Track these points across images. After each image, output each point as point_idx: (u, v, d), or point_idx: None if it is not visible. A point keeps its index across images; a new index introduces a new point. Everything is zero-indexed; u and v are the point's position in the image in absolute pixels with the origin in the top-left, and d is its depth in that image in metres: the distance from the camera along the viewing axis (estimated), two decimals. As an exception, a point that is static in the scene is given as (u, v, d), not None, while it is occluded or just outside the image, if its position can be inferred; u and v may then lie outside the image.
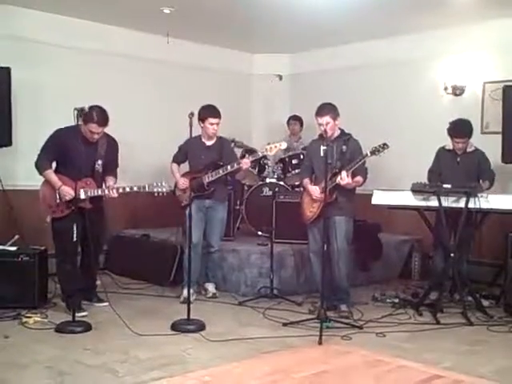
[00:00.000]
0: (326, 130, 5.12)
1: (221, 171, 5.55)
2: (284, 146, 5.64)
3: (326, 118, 5.15)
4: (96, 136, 5.09)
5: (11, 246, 5.49)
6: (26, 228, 5.94)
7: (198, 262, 5.65)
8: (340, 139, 5.23)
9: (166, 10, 6.58)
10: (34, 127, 6.36)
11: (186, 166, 5.96)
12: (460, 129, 5.71)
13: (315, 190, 5.21)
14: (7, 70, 6.06)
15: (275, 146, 5.49)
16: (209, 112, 5.61)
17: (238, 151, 6.96)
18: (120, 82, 7.32)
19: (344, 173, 4.95)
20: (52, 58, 6.80)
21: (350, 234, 5.30)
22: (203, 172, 5.60)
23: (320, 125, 5.19)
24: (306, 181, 5.41)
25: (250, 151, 6.70)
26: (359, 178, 5.12)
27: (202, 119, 5.64)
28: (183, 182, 5.68)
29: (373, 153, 4.93)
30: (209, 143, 5.75)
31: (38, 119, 6.46)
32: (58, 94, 6.62)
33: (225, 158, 5.66)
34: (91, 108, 4.93)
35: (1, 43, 6.39)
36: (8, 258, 5.23)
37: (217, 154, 5.69)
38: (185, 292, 5.36)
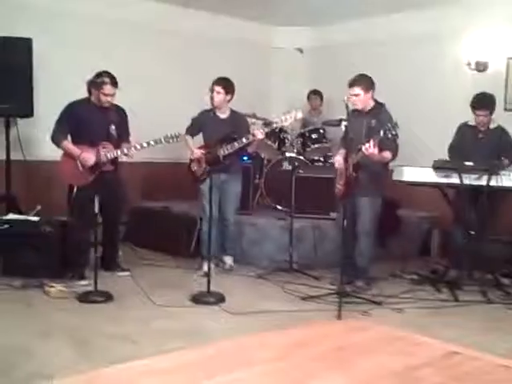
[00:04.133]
0: (355, 102, 5.00)
1: (236, 144, 5.48)
2: (300, 115, 5.48)
3: (357, 89, 5.04)
4: (110, 98, 5.22)
5: (34, 216, 5.57)
6: (47, 198, 6.00)
7: (214, 236, 5.68)
8: (372, 113, 5.12)
9: (187, -19, 6.53)
10: (54, 98, 6.35)
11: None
12: (481, 101, 5.63)
13: (337, 160, 5.18)
14: (28, 41, 6.06)
15: (290, 117, 5.39)
16: (214, 80, 5.63)
17: (259, 124, 6.92)
18: (137, 52, 7.32)
19: (371, 141, 4.75)
20: (71, 28, 6.80)
21: (377, 214, 5.23)
22: (218, 145, 5.55)
23: (350, 96, 5.02)
24: (338, 152, 5.35)
25: (270, 123, 6.60)
26: (387, 154, 4.96)
27: (210, 89, 5.65)
28: (197, 152, 5.65)
29: (384, 133, 4.73)
30: (223, 116, 5.70)
31: (59, 89, 6.45)
32: (78, 64, 6.60)
33: (238, 131, 5.59)
34: (99, 74, 5.18)
35: (21, 14, 6.39)
36: (31, 229, 5.32)
37: (230, 127, 5.63)
38: (204, 266, 5.44)
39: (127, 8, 7.17)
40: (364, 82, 5.09)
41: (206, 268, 5.34)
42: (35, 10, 6.47)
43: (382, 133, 4.74)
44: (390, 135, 4.71)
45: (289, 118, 5.39)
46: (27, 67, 6.10)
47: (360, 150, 4.90)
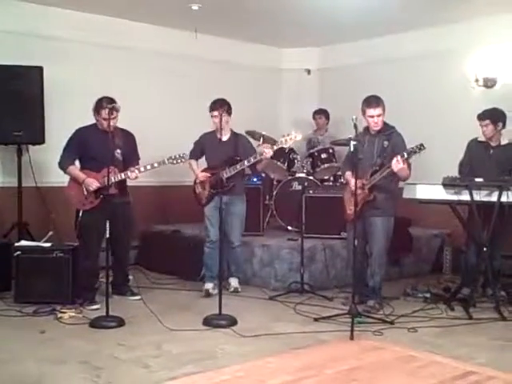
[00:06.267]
0: (377, 123, 5.06)
1: (238, 166, 5.53)
2: (299, 137, 5.48)
3: (379, 110, 5.07)
4: (111, 122, 5.13)
5: (45, 242, 5.60)
6: (59, 224, 6.04)
7: (216, 258, 5.66)
8: (382, 133, 5.15)
9: (194, 7, 6.60)
10: (65, 125, 6.43)
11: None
12: (484, 111, 5.65)
13: (351, 182, 5.06)
14: (40, 69, 6.15)
15: (290, 139, 5.40)
16: (211, 104, 5.65)
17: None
18: (148, 78, 7.42)
19: (399, 157, 4.80)
20: (81, 56, 6.89)
21: (390, 233, 5.23)
22: (221, 168, 5.59)
23: (371, 117, 5.08)
24: (348, 173, 5.28)
25: (275, 143, 6.49)
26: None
27: (210, 112, 5.66)
28: (203, 175, 5.71)
29: (409, 154, 4.81)
30: (224, 138, 5.61)
31: (70, 117, 6.52)
32: (87, 91, 6.64)
33: (241, 152, 5.63)
34: (100, 99, 5.25)
35: (32, 42, 6.49)
36: (43, 255, 5.34)
37: (232, 149, 5.66)
38: (205, 286, 5.74)
39: (138, 35, 7.28)
40: (382, 102, 5.13)
41: (206, 287, 5.71)
42: (44, 38, 6.57)
43: (406, 154, 4.81)
44: (413, 157, 4.80)
45: (289, 140, 5.42)
46: (39, 95, 6.18)
47: (375, 171, 4.97)
